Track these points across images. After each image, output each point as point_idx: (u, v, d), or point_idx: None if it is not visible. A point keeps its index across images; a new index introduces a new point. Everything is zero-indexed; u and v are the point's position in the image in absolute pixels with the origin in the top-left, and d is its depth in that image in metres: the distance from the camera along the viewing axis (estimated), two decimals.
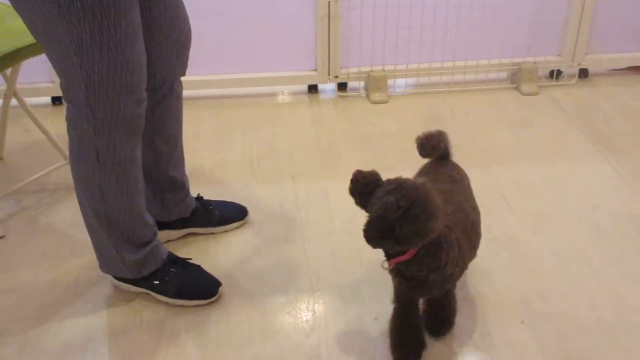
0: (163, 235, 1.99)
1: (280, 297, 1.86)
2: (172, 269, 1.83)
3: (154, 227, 1.81)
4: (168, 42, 1.72)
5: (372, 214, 1.43)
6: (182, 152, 1.98)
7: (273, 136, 2.66)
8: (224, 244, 2.07)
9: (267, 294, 1.88)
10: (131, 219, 1.73)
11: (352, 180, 1.48)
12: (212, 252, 2.03)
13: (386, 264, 1.52)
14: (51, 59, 1.52)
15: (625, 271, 1.93)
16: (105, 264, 1.83)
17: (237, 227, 2.13)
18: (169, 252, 1.86)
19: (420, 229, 1.39)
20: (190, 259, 1.89)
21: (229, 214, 2.13)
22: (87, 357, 1.68)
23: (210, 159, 2.49)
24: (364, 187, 1.46)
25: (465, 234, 1.58)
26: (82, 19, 1.42)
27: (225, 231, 2.11)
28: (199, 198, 2.10)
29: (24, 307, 1.84)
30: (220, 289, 1.85)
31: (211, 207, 2.10)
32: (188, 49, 1.80)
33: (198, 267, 1.88)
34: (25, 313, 1.82)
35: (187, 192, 2.03)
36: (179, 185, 1.99)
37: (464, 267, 1.61)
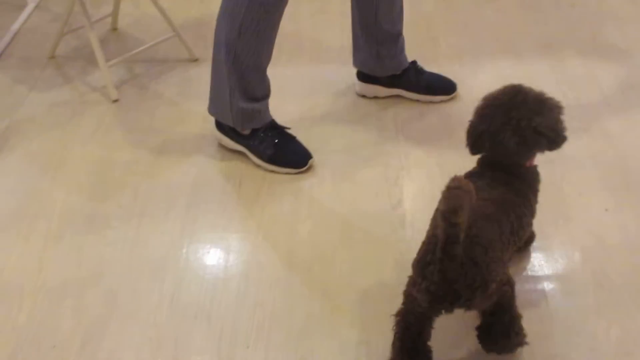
0: (372, 89, 2.19)
1: (371, 170, 1.96)
2: (270, 134, 1.95)
3: (268, 89, 1.93)
4: None
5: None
6: (401, 7, 2.07)
7: None
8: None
9: (358, 166, 1.98)
10: (254, 66, 1.84)
11: None
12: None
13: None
14: None
15: None
16: (215, 105, 1.96)
17: (441, 101, 2.20)
18: (272, 119, 1.98)
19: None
20: (289, 128, 1.99)
21: (438, 85, 2.21)
22: (193, 209, 1.85)
23: (307, 37, 2.56)
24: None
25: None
26: None
27: (430, 101, 2.19)
28: (413, 62, 2.20)
29: (137, 163, 2.02)
30: (311, 161, 1.96)
31: (422, 73, 2.19)
32: None
33: (294, 138, 1.99)
34: (138, 168, 2.00)
35: (402, 49, 2.15)
36: (394, 38, 2.09)
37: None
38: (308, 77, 2.36)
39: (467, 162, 1.94)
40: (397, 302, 1.38)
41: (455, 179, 1.19)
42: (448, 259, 1.20)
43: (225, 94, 1.89)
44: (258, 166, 1.96)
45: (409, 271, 1.31)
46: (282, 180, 1.94)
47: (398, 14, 2.09)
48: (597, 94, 2.22)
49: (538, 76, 2.31)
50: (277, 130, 1.97)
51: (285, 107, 2.11)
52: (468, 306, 1.28)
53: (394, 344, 1.39)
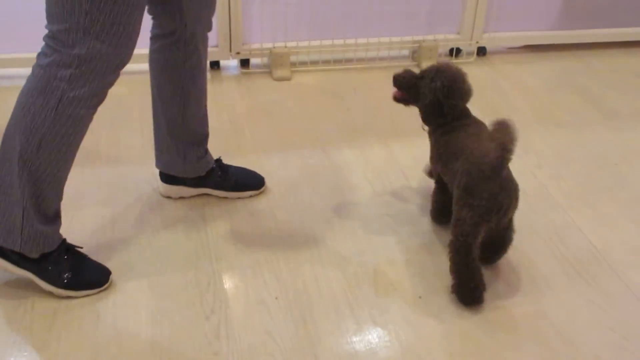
0: (177, 191, 2.09)
1: (181, 278, 1.84)
2: (64, 257, 1.75)
3: (60, 204, 1.73)
4: None
5: (425, 100, 1.86)
6: (205, 107, 2.03)
7: None
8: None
9: (166, 275, 1.84)
10: (54, 181, 1.65)
11: (395, 90, 1.94)
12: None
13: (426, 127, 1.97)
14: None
15: None
16: None
17: (250, 196, 2.14)
18: (64, 238, 1.78)
19: (459, 102, 1.85)
20: (81, 247, 1.81)
21: (245, 181, 2.15)
22: None
23: (105, 136, 2.42)
24: (408, 83, 1.90)
25: None
26: None
27: (239, 197, 2.13)
28: (217, 160, 2.12)
29: None
30: (111, 277, 1.80)
31: (228, 170, 2.12)
32: (215, 3, 1.86)
33: (86, 256, 1.81)
34: None
35: (207, 149, 2.08)
36: (202, 140, 2.04)
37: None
38: (106, 181, 2.20)
39: (281, 257, 1.90)
40: None
41: (504, 119, 1.68)
42: (496, 176, 1.66)
43: (13, 215, 1.65)
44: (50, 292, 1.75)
45: None
46: (79, 300, 1.75)
47: (205, 114, 2.04)
48: (401, 177, 2.27)
49: (344, 164, 2.33)
50: (69, 251, 1.77)
51: (81, 217, 1.95)
52: (505, 213, 1.70)
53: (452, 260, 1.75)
